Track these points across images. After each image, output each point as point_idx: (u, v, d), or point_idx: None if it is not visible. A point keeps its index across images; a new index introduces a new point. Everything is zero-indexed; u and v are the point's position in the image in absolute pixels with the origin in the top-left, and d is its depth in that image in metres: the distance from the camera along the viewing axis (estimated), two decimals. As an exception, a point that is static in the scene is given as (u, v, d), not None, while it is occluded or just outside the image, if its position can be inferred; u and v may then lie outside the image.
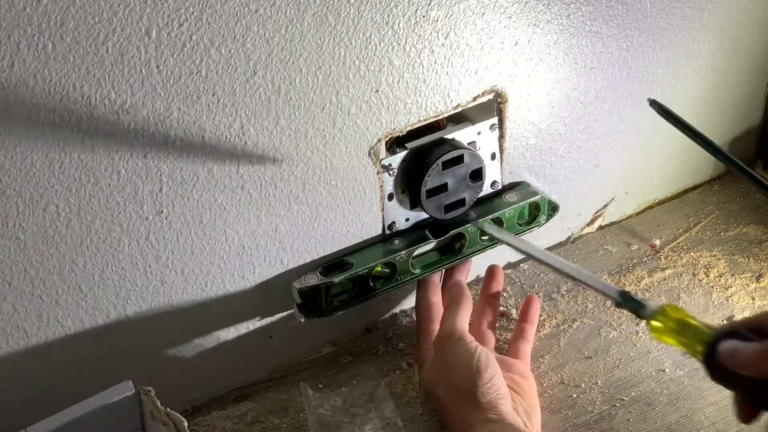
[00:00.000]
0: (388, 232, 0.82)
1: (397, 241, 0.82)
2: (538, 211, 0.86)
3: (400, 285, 0.82)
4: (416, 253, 0.82)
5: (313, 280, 0.78)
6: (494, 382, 0.72)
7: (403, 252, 0.81)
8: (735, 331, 0.59)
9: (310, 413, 0.78)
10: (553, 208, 0.87)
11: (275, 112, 0.70)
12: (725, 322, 0.85)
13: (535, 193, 0.85)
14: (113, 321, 0.73)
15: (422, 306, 0.83)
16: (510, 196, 0.85)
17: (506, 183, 0.86)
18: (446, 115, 0.79)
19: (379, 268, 0.81)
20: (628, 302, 0.66)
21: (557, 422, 0.77)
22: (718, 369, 0.59)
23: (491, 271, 0.86)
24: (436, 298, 0.83)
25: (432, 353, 0.78)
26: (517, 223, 0.86)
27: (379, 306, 0.88)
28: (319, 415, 0.77)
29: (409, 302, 0.89)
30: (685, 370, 0.81)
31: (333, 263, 0.80)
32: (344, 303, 0.80)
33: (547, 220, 0.87)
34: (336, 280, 0.78)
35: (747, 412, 0.59)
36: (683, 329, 0.62)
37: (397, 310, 0.89)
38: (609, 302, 0.87)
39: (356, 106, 0.73)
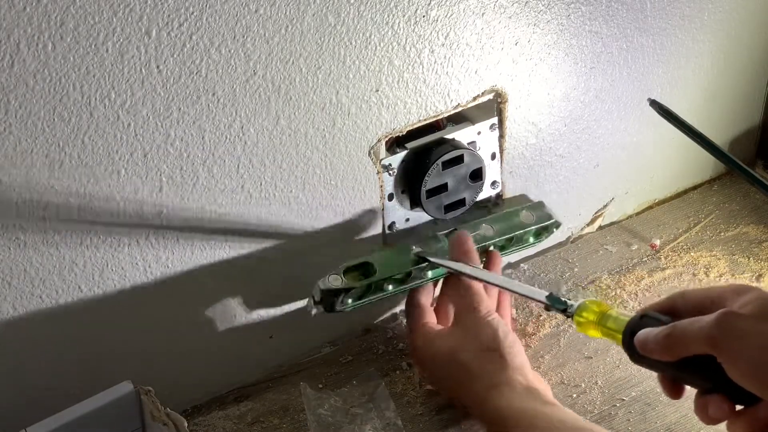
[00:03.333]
0: (388, 232, 0.82)
1: (415, 248, 0.80)
2: (547, 231, 0.86)
3: (409, 287, 0.82)
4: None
5: (336, 282, 0.77)
6: (518, 347, 0.73)
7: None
8: (647, 315, 0.63)
9: (310, 413, 0.78)
10: (557, 227, 0.87)
11: (275, 112, 0.70)
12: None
13: (550, 217, 0.85)
14: (113, 321, 0.73)
15: (412, 306, 0.82)
16: (526, 217, 0.85)
17: (526, 203, 0.86)
18: (446, 115, 0.79)
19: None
20: (555, 303, 0.71)
21: (557, 422, 0.77)
22: (636, 354, 0.62)
23: (489, 257, 0.85)
24: (426, 300, 0.83)
25: (428, 331, 0.77)
26: (527, 240, 0.86)
27: (379, 306, 0.88)
28: (319, 415, 0.77)
29: (409, 302, 0.89)
30: (685, 370, 0.81)
31: (355, 264, 0.79)
32: (355, 301, 0.79)
33: (548, 236, 0.87)
34: (358, 285, 0.77)
35: (672, 389, 0.63)
36: (604, 321, 0.66)
37: (397, 309, 0.89)
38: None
39: (356, 105, 0.73)
